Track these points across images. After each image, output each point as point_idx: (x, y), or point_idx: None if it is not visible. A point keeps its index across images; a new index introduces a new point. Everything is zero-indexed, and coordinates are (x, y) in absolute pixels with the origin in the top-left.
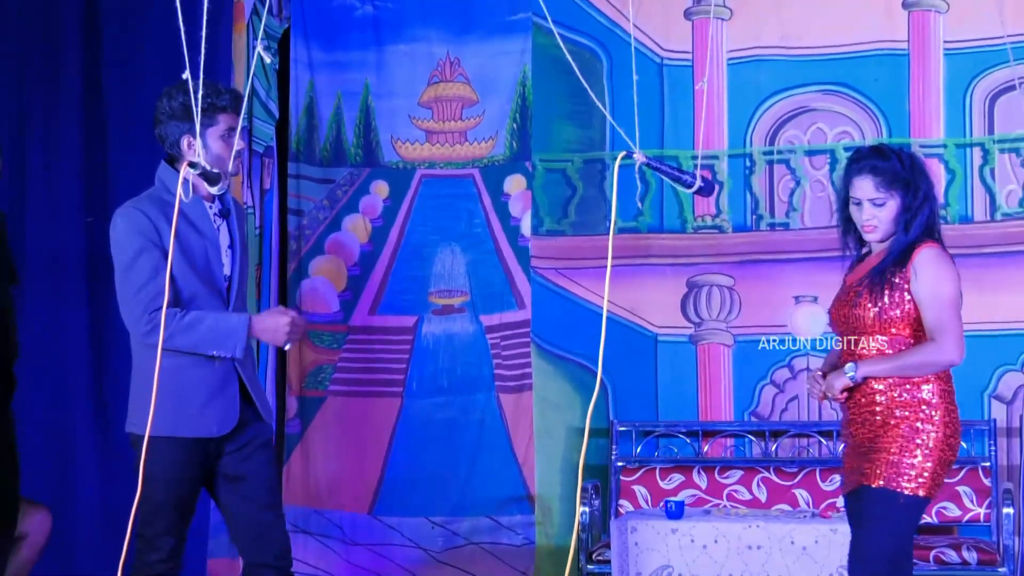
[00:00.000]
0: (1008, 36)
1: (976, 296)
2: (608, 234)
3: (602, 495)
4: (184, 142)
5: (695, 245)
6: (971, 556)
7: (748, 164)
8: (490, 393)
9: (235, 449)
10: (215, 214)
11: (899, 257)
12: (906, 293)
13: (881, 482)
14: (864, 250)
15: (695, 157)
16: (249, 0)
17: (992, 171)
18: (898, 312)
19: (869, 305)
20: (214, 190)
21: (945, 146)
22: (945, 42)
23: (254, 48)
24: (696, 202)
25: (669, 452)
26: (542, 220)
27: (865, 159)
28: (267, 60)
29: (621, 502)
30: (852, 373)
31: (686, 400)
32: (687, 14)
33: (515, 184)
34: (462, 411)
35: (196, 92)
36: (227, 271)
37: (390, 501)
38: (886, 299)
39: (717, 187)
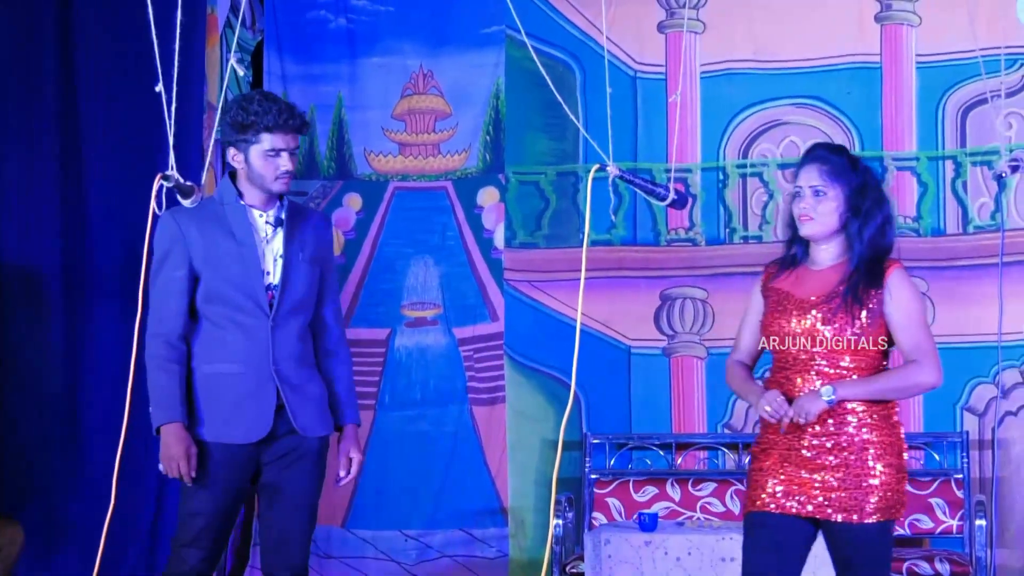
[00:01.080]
0: (980, 50)
1: (949, 309)
2: (581, 247)
3: (575, 508)
4: (230, 154)
5: (668, 258)
6: (944, 568)
7: (721, 177)
8: (463, 406)
9: (273, 459)
10: (268, 222)
11: (870, 276)
12: (880, 316)
13: (877, 516)
14: (791, 252)
15: (668, 170)
16: (222, 13)
17: (964, 184)
18: (872, 332)
19: (846, 325)
20: (187, 203)
21: (918, 159)
22: (917, 55)
23: (227, 60)
24: (669, 215)
25: (642, 464)
26: (515, 232)
27: (817, 150)
28: (240, 72)
29: (595, 515)
30: (831, 396)
31: (659, 412)
32: (660, 27)
33: (488, 196)
34: (435, 424)
35: (169, 105)
36: (273, 280)
37: (363, 514)
38: (864, 319)
39: (690, 200)
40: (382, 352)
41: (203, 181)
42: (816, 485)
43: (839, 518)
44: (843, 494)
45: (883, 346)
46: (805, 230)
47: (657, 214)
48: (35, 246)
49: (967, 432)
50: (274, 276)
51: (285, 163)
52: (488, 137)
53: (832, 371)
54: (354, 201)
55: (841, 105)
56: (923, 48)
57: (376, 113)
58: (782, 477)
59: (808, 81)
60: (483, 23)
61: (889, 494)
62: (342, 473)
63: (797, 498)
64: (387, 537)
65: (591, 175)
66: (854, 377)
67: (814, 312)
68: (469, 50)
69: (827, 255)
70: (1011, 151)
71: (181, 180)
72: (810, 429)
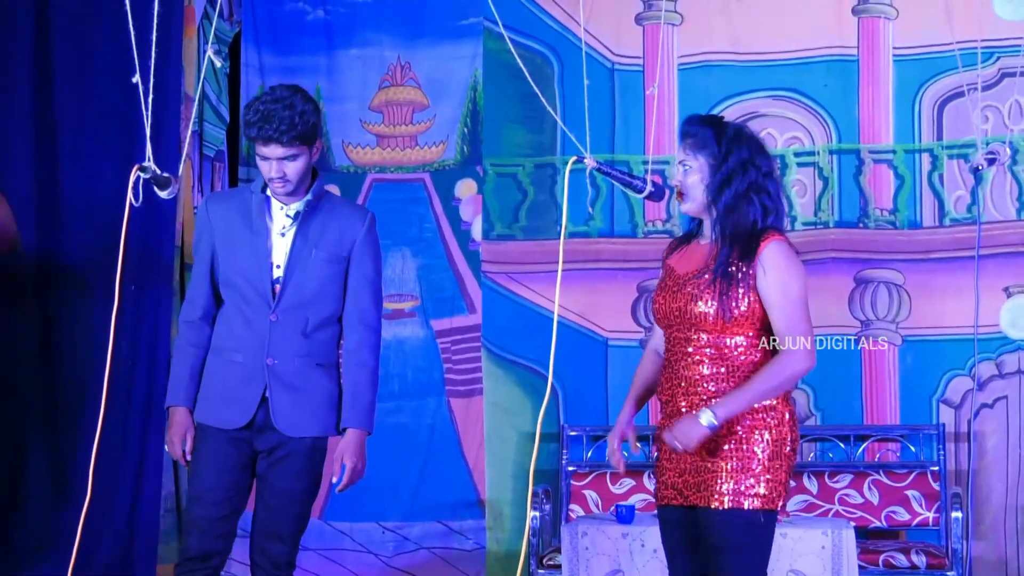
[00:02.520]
0: (956, 43)
1: (925, 301)
2: (559, 239)
3: (553, 500)
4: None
5: (646, 250)
6: (920, 560)
7: None
8: (441, 398)
9: (264, 451)
10: (288, 215)
11: (743, 249)
12: (752, 291)
13: (746, 504)
14: (691, 226)
15: (646, 162)
16: (200, 4)
17: (941, 177)
18: (743, 310)
19: (712, 301)
20: (163, 194)
21: (894, 152)
22: (894, 48)
23: (205, 52)
24: (647, 207)
25: None
26: (493, 225)
27: (684, 124)
28: (218, 64)
29: (572, 507)
30: (712, 422)
31: None
32: (638, 19)
33: (466, 188)
34: (413, 416)
35: (146, 96)
36: (279, 275)
37: (341, 506)
38: (731, 296)
39: (668, 192)
40: None
41: (180, 172)
42: (701, 474)
43: (715, 505)
44: (722, 481)
45: (760, 324)
46: (683, 208)
47: (634, 206)
48: None
49: (943, 424)
50: (281, 271)
51: (273, 169)
52: (466, 129)
53: (712, 351)
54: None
55: (818, 97)
56: (900, 41)
57: (354, 105)
58: (675, 467)
59: (785, 73)
60: (460, 15)
61: (770, 483)
62: (334, 479)
63: (681, 490)
64: (365, 529)
65: (569, 167)
66: (728, 385)
67: (686, 289)
68: (447, 42)
69: (709, 229)
70: (987, 144)
71: (158, 171)
72: (683, 416)
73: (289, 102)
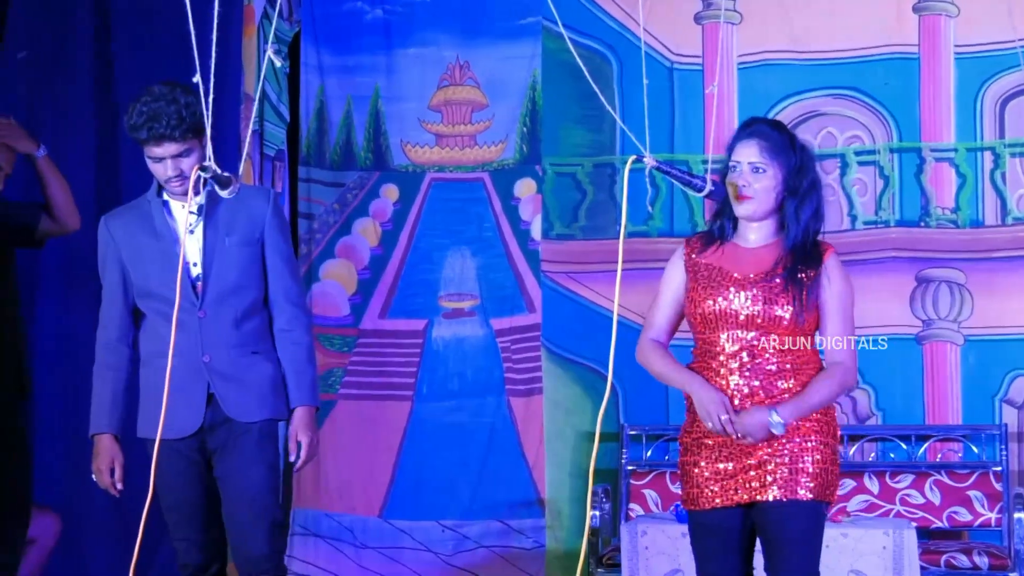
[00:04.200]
0: (1019, 40)
1: (987, 301)
2: (618, 238)
3: (612, 499)
4: None
5: None
6: (982, 561)
7: None
8: (500, 397)
9: (216, 449)
10: (191, 212)
11: (809, 257)
12: (815, 298)
13: (809, 495)
14: (718, 224)
15: (705, 161)
16: (259, 4)
17: (1003, 175)
18: (808, 315)
19: (788, 306)
20: (224, 194)
21: (956, 150)
22: (955, 46)
23: (264, 52)
24: (707, 206)
25: (679, 456)
26: (552, 224)
27: (755, 125)
28: (277, 64)
29: (631, 506)
30: (781, 429)
31: None
32: (697, 18)
33: (525, 188)
34: (472, 415)
35: (207, 96)
36: (198, 272)
37: (400, 504)
38: (802, 301)
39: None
40: (419, 343)
41: (240, 172)
42: (751, 471)
43: (770, 497)
44: (776, 475)
45: (813, 332)
46: (743, 210)
47: (694, 205)
48: (71, 236)
49: (1006, 424)
50: (200, 266)
51: (169, 168)
52: (525, 128)
53: (759, 360)
54: (391, 192)
55: (879, 96)
56: (961, 39)
57: (413, 104)
58: (719, 468)
59: (846, 72)
60: (519, 14)
61: (822, 476)
62: (291, 458)
63: (734, 489)
64: (424, 528)
65: (628, 166)
66: (788, 385)
67: (753, 290)
68: (505, 41)
69: (759, 234)
70: None
71: (219, 171)
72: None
73: (172, 97)
